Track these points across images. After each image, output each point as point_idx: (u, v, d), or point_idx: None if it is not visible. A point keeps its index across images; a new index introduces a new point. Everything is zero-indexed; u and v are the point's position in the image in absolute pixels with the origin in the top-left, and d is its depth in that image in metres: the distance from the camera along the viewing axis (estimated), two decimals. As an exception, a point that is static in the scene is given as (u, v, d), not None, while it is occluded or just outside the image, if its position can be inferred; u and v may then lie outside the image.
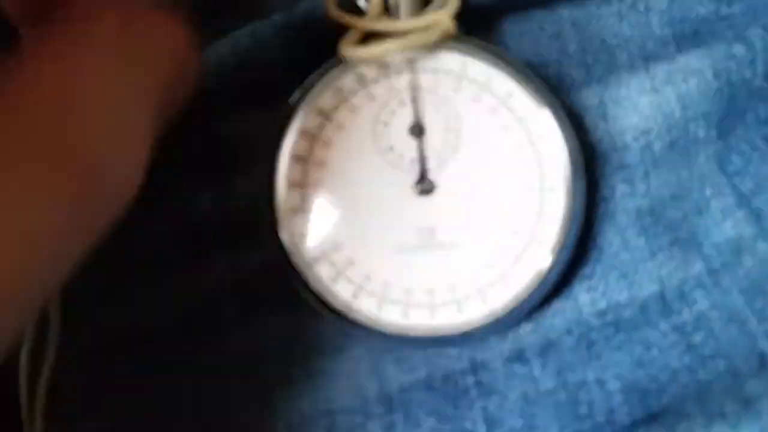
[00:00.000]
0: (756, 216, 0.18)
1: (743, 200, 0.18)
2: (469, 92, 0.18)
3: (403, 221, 0.18)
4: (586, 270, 0.18)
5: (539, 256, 0.17)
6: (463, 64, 0.18)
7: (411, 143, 0.18)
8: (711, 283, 0.18)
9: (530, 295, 0.17)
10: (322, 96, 0.18)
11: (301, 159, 0.18)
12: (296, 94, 0.18)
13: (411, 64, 0.18)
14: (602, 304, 0.18)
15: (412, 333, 0.18)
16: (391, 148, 0.18)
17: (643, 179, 0.18)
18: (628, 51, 0.19)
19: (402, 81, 0.18)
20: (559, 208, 0.17)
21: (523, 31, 0.19)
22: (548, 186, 0.18)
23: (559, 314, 0.18)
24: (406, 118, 0.18)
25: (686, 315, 0.18)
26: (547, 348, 0.18)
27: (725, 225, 0.18)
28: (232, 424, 0.19)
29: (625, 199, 0.18)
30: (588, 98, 0.19)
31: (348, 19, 0.18)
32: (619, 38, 0.19)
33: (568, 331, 0.18)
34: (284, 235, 0.18)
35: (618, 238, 0.18)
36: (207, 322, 0.19)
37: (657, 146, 0.18)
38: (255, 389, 0.19)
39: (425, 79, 0.18)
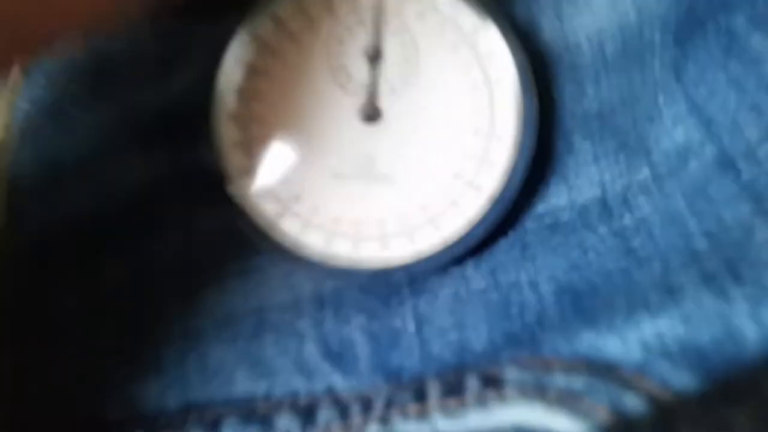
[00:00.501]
0: (706, 122, 0.17)
1: (695, 108, 0.17)
2: (433, 22, 0.17)
3: (343, 147, 0.17)
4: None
5: (474, 204, 0.17)
6: (432, -9, 0.17)
7: (364, 66, 0.17)
8: (655, 189, 0.17)
9: (456, 243, 0.17)
10: (281, 4, 0.17)
11: (248, 66, 0.17)
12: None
13: (378, -18, 0.17)
14: (540, 208, 0.18)
15: (332, 262, 0.17)
16: (343, 68, 0.17)
17: (593, 82, 0.18)
18: None
19: (367, 0, 0.17)
20: (504, 158, 0.17)
21: None
22: (497, 134, 0.17)
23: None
24: (363, 39, 0.17)
25: (627, 220, 0.17)
26: (481, 248, 0.17)
27: (675, 132, 0.17)
28: (164, 316, 0.18)
29: (573, 101, 0.18)
30: None
31: None
32: None
33: (502, 233, 0.17)
34: (218, 141, 0.17)
35: (562, 141, 0.18)
36: (145, 214, 0.19)
37: (609, 48, 0.18)
38: (188, 283, 0.18)
39: (390, 2, 0.17)
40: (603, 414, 0.13)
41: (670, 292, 0.14)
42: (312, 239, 0.17)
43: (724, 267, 0.14)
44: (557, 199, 0.18)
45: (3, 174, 0.20)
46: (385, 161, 0.17)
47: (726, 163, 0.16)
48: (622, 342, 0.14)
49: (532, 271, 0.17)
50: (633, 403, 0.13)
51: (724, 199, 0.16)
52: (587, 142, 0.18)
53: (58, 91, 0.19)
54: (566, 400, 0.14)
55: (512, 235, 0.18)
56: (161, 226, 0.19)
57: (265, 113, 0.17)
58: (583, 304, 0.16)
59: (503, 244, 0.18)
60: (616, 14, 0.18)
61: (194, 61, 0.19)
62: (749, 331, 0.12)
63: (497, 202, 0.17)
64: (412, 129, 0.17)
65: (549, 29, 0.18)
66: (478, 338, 0.17)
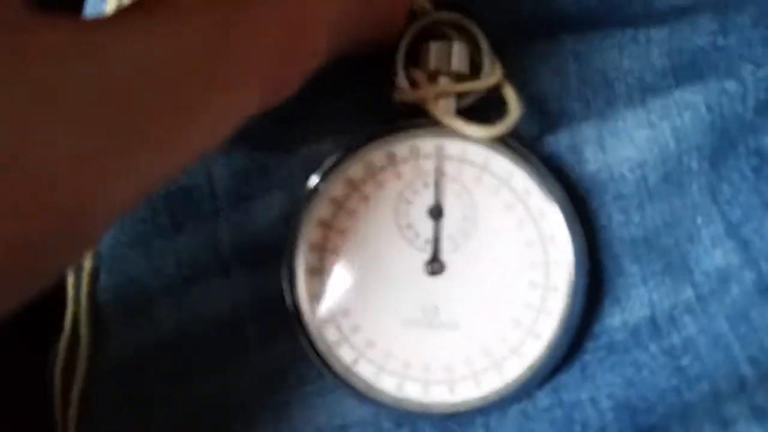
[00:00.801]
0: (743, 245, 0.18)
1: (732, 229, 0.19)
2: (489, 185, 0.19)
3: (411, 297, 0.19)
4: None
5: (534, 351, 0.18)
6: (486, 158, 0.19)
7: (428, 224, 0.19)
8: (699, 309, 0.19)
9: (519, 387, 0.18)
10: (353, 167, 0.19)
11: (324, 224, 0.19)
12: (327, 162, 0.19)
13: (439, 150, 0.19)
14: (596, 329, 0.19)
15: (404, 405, 0.18)
16: (410, 226, 0.19)
17: (638, 209, 0.19)
18: (627, 83, 0.20)
19: (429, 164, 0.19)
20: (560, 308, 0.18)
21: (527, 64, 0.20)
22: (552, 285, 0.18)
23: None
24: (427, 200, 0.19)
25: (675, 338, 0.19)
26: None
27: (715, 253, 0.19)
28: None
29: (620, 227, 0.19)
30: (587, 130, 0.20)
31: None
32: (619, 70, 0.20)
33: (566, 353, 0.19)
34: (299, 293, 0.19)
35: (613, 264, 0.19)
36: (229, 339, 0.20)
37: (652, 178, 0.19)
38: (274, 405, 0.20)
39: (450, 166, 0.19)
40: None
41: (724, 426, 0.15)
42: (385, 383, 0.18)
43: None
44: (611, 319, 0.19)
45: (91, 300, 0.21)
46: (450, 310, 0.19)
47: (765, 290, 0.18)
48: None
49: (592, 389, 0.19)
50: None
51: (765, 327, 0.18)
52: (635, 265, 0.19)
53: (142, 221, 0.21)
54: None
55: (573, 356, 0.19)
56: (242, 348, 0.20)
57: (339, 267, 0.19)
58: (639, 422, 0.18)
59: (564, 365, 0.19)
60: (657, 146, 0.19)
61: (270, 196, 0.20)
62: None
63: (555, 349, 0.18)
64: (473, 280, 0.19)
65: (593, 161, 0.20)
66: None
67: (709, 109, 0.19)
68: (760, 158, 0.19)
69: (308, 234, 0.19)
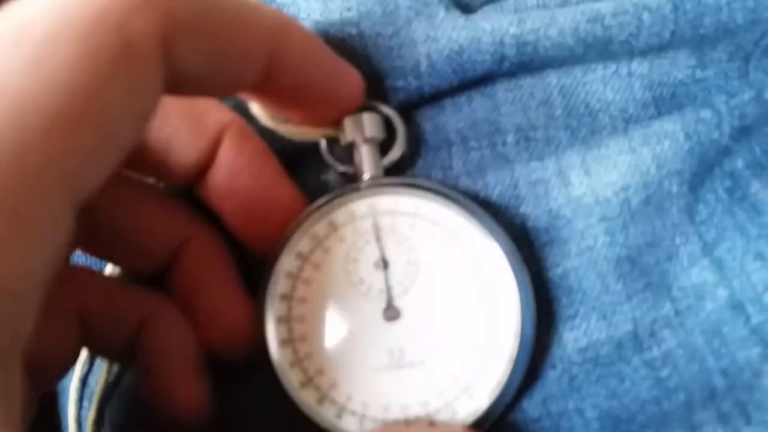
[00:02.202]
0: (718, 264, 0.20)
1: (707, 248, 0.20)
2: (422, 228, 0.21)
3: (375, 344, 0.20)
4: (570, 311, 0.21)
5: (499, 368, 0.20)
6: (416, 206, 0.21)
7: (377, 275, 0.21)
8: (677, 323, 0.20)
9: (493, 405, 0.19)
10: (300, 242, 0.21)
11: (285, 297, 0.21)
12: (281, 240, 0.21)
13: (372, 208, 0.21)
14: (583, 342, 0.20)
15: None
16: (361, 281, 0.21)
17: (622, 230, 0.21)
18: (610, 114, 0.22)
19: (366, 223, 0.21)
20: (515, 323, 0.20)
21: (515, 98, 0.22)
22: (501, 301, 0.20)
23: (546, 351, 0.20)
24: (371, 254, 0.21)
25: (655, 352, 0.20)
26: (533, 381, 0.20)
27: (692, 271, 0.20)
28: None
29: (606, 248, 0.21)
30: (572, 157, 0.21)
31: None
32: (602, 102, 0.22)
33: (553, 366, 0.20)
34: (275, 364, 0.20)
35: (599, 282, 0.21)
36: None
37: (634, 201, 0.21)
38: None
39: (385, 221, 0.21)
40: None
41: (691, 429, 0.16)
42: (369, 429, 0.20)
43: (736, 408, 0.16)
44: (598, 334, 0.20)
45: None
46: (413, 350, 0.20)
47: (737, 306, 0.19)
48: None
49: (578, 400, 0.20)
50: None
51: (736, 341, 0.19)
52: (620, 283, 0.21)
53: None
54: None
55: (560, 368, 0.20)
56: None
57: (306, 332, 0.21)
58: (622, 430, 0.19)
59: (552, 377, 0.20)
60: (639, 172, 0.21)
61: None
62: None
63: (517, 362, 0.19)
64: (428, 318, 0.20)
65: (579, 185, 0.21)
66: None
67: (687, 136, 0.21)
68: (733, 180, 0.21)
69: (274, 308, 0.21)
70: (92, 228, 0.20)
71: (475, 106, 0.23)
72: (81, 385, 0.25)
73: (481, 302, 0.20)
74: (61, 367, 0.21)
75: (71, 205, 0.14)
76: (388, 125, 0.22)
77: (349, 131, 0.22)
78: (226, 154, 0.20)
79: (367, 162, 0.22)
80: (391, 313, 0.20)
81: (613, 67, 0.22)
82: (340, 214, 0.21)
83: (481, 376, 0.20)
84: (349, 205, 0.21)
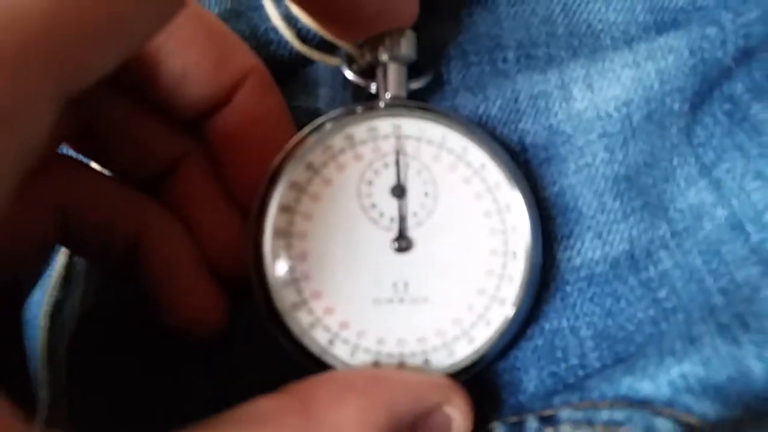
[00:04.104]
0: (716, 185, 0.20)
1: (705, 170, 0.20)
2: (447, 161, 0.20)
3: (381, 275, 0.19)
4: (565, 231, 0.20)
5: (499, 314, 0.19)
6: (443, 135, 0.20)
7: (392, 203, 0.19)
8: (674, 245, 0.20)
9: (487, 352, 0.19)
10: (313, 152, 0.19)
11: (288, 209, 0.19)
12: (288, 146, 0.19)
13: (397, 129, 0.20)
14: (577, 261, 0.20)
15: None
16: (373, 206, 0.19)
17: (622, 147, 0.20)
18: (612, 35, 0.22)
19: (388, 145, 0.20)
20: (519, 272, 0.19)
21: (516, 13, 0.22)
22: (511, 251, 0.19)
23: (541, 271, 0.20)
24: (389, 180, 0.20)
25: (652, 272, 0.20)
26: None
27: (689, 192, 0.20)
28: None
29: (605, 165, 0.20)
30: (575, 70, 0.21)
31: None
32: (604, 23, 0.22)
33: (545, 285, 0.20)
34: (268, 280, 0.19)
35: (596, 201, 0.20)
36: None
37: (636, 117, 0.20)
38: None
39: (409, 145, 0.20)
40: None
41: (692, 341, 0.17)
42: (359, 363, 0.19)
43: (735, 319, 0.16)
44: (592, 253, 0.20)
45: None
46: (419, 284, 0.19)
47: (736, 226, 0.19)
48: (654, 384, 0.16)
49: (572, 318, 0.20)
50: (665, 427, 0.16)
51: (735, 261, 0.19)
52: (617, 201, 0.20)
53: None
54: (610, 428, 0.16)
55: (553, 287, 0.20)
56: None
57: (307, 251, 0.19)
58: (620, 350, 0.19)
59: (545, 295, 0.20)
60: (642, 87, 0.20)
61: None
62: (756, 369, 0.15)
63: (518, 312, 0.19)
64: (439, 254, 0.19)
65: (581, 99, 0.21)
66: (529, 379, 0.19)
67: (691, 52, 0.20)
68: (733, 104, 0.20)
69: (275, 226, 0.19)
70: (88, 128, 0.19)
71: (476, 19, 0.22)
72: (54, 311, 0.22)
73: (495, 248, 0.19)
74: (25, 259, 0.19)
75: (57, 95, 0.13)
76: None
77: (383, 48, 0.20)
78: (245, 99, 0.19)
79: (393, 81, 0.20)
80: (402, 244, 0.19)
81: None
82: (360, 130, 0.19)
83: (483, 321, 0.19)
84: (372, 121, 0.20)
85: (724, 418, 0.16)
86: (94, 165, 0.21)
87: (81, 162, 0.21)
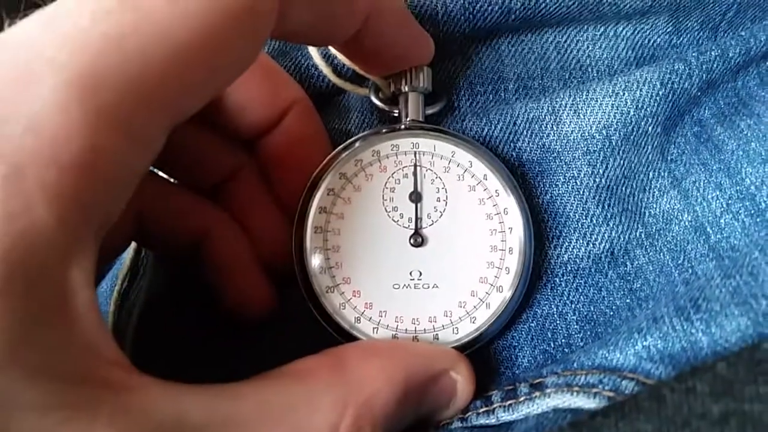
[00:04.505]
0: (684, 194, 0.24)
1: (675, 182, 0.24)
2: (455, 172, 0.24)
3: (399, 265, 0.23)
4: (555, 232, 0.24)
5: (498, 300, 0.23)
6: (453, 151, 0.24)
7: (410, 206, 0.24)
8: (648, 244, 0.24)
9: (486, 330, 0.23)
10: (346, 165, 0.24)
11: (325, 210, 0.23)
12: (327, 161, 0.24)
13: (415, 146, 0.24)
14: (565, 257, 0.24)
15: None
16: (395, 208, 0.24)
17: (602, 162, 0.24)
18: (598, 69, 0.26)
19: (407, 159, 0.24)
20: (515, 267, 0.23)
21: (516, 52, 0.26)
22: (508, 247, 0.23)
23: (532, 264, 0.24)
24: (408, 187, 0.24)
25: (629, 267, 0.24)
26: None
27: (662, 200, 0.24)
28: None
29: (588, 177, 0.24)
30: (563, 98, 0.25)
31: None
32: (592, 59, 0.26)
33: (538, 277, 0.24)
34: (308, 268, 0.23)
35: (581, 207, 0.24)
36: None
37: (615, 138, 0.24)
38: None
39: (424, 160, 0.24)
40: (608, 394, 0.19)
41: (655, 321, 0.20)
42: (380, 337, 0.23)
43: (690, 302, 0.19)
44: (578, 250, 0.24)
45: None
46: (431, 273, 0.23)
47: (698, 228, 0.23)
48: (623, 355, 0.20)
49: (560, 305, 0.24)
50: (629, 387, 0.19)
51: (697, 257, 0.23)
52: (599, 207, 0.24)
53: None
54: (586, 389, 0.19)
55: (544, 279, 0.24)
56: None
57: (340, 244, 0.23)
58: (600, 332, 0.23)
59: (538, 286, 0.24)
60: (620, 113, 0.24)
61: None
62: (704, 341, 0.18)
63: (514, 298, 0.23)
64: (448, 248, 0.23)
65: (569, 123, 0.24)
66: (524, 356, 0.23)
67: (662, 84, 0.24)
68: (701, 126, 0.25)
69: (314, 223, 0.23)
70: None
71: (481, 56, 0.26)
72: (121, 298, 0.26)
73: (495, 244, 0.23)
74: (109, 256, 0.23)
75: (169, 125, 0.16)
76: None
77: (405, 81, 0.24)
78: (291, 123, 0.24)
79: (412, 107, 0.25)
80: (417, 239, 0.23)
81: (601, 28, 0.26)
82: (384, 146, 0.24)
83: (484, 304, 0.23)
84: (394, 140, 0.24)
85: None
86: (163, 175, 0.26)
87: (153, 172, 0.25)
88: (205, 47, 0.16)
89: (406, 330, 0.23)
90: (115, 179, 0.15)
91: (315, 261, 0.23)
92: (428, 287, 0.23)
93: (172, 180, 0.25)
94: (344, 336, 0.23)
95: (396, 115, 0.25)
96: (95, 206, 0.15)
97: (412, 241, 0.23)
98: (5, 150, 0.14)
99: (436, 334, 0.23)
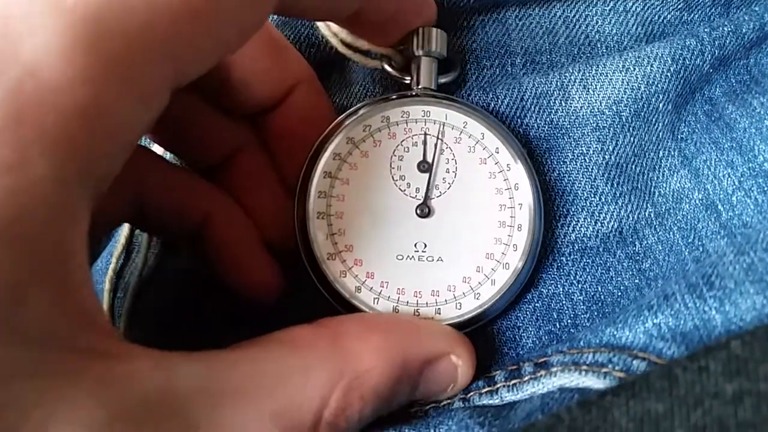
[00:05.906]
0: (694, 173, 0.23)
1: (686, 161, 0.23)
2: (467, 143, 0.23)
3: (404, 235, 0.22)
4: (563, 210, 0.23)
5: (503, 277, 0.22)
6: (465, 122, 0.23)
7: (418, 176, 0.23)
8: (657, 223, 0.23)
9: (490, 308, 0.22)
10: (353, 129, 0.23)
11: (330, 175, 0.23)
12: (334, 126, 0.23)
13: (426, 114, 0.23)
14: (572, 236, 0.23)
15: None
16: (402, 177, 0.23)
17: (612, 139, 0.23)
18: (607, 44, 0.25)
19: (417, 127, 0.23)
20: (523, 243, 0.22)
21: (524, 25, 0.25)
22: (517, 224, 0.23)
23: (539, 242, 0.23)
24: (417, 156, 0.23)
25: (638, 246, 0.23)
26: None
27: (672, 179, 0.23)
28: None
29: (597, 154, 0.23)
30: (572, 73, 0.24)
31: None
32: (601, 34, 0.25)
33: (544, 256, 0.23)
34: (310, 234, 0.22)
35: (589, 185, 0.23)
36: None
37: (625, 114, 0.23)
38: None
39: (434, 129, 0.23)
40: (618, 374, 0.18)
41: (666, 298, 0.19)
42: (381, 308, 0.22)
43: (702, 279, 0.19)
44: (585, 229, 0.23)
45: None
46: (436, 246, 0.22)
47: (709, 207, 0.23)
48: (633, 333, 0.19)
49: (566, 284, 0.23)
50: (640, 367, 0.18)
51: (708, 235, 0.22)
52: (608, 185, 0.23)
53: None
54: (594, 368, 0.19)
55: (551, 258, 0.23)
56: None
57: (343, 211, 0.22)
58: (608, 313, 0.22)
59: (544, 264, 0.23)
60: (630, 88, 0.24)
61: None
62: (717, 319, 0.18)
63: (520, 276, 0.22)
64: (455, 221, 0.23)
65: (578, 98, 0.24)
66: (528, 336, 0.22)
67: (673, 60, 0.23)
68: (711, 105, 0.24)
69: (319, 188, 0.22)
70: (162, 119, 0.22)
71: (487, 29, 0.25)
72: (116, 277, 0.26)
73: (503, 220, 0.23)
74: (101, 236, 0.23)
75: (173, 83, 0.16)
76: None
77: (417, 44, 0.23)
78: (298, 100, 0.23)
79: (424, 74, 0.24)
80: (424, 210, 0.23)
81: (611, 3, 0.25)
82: (395, 113, 0.23)
83: (489, 281, 0.22)
84: (404, 107, 0.23)
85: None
86: (161, 152, 0.24)
87: (154, 152, 0.24)
88: (205, 11, 0.15)
89: (407, 302, 0.22)
90: (115, 134, 0.15)
91: (317, 227, 0.22)
92: (432, 260, 0.22)
93: (174, 162, 0.24)
94: (344, 305, 0.22)
95: (407, 82, 0.24)
96: (93, 163, 0.14)
97: (418, 211, 0.23)
98: (2, 93, 0.13)
99: (438, 309, 0.22)
